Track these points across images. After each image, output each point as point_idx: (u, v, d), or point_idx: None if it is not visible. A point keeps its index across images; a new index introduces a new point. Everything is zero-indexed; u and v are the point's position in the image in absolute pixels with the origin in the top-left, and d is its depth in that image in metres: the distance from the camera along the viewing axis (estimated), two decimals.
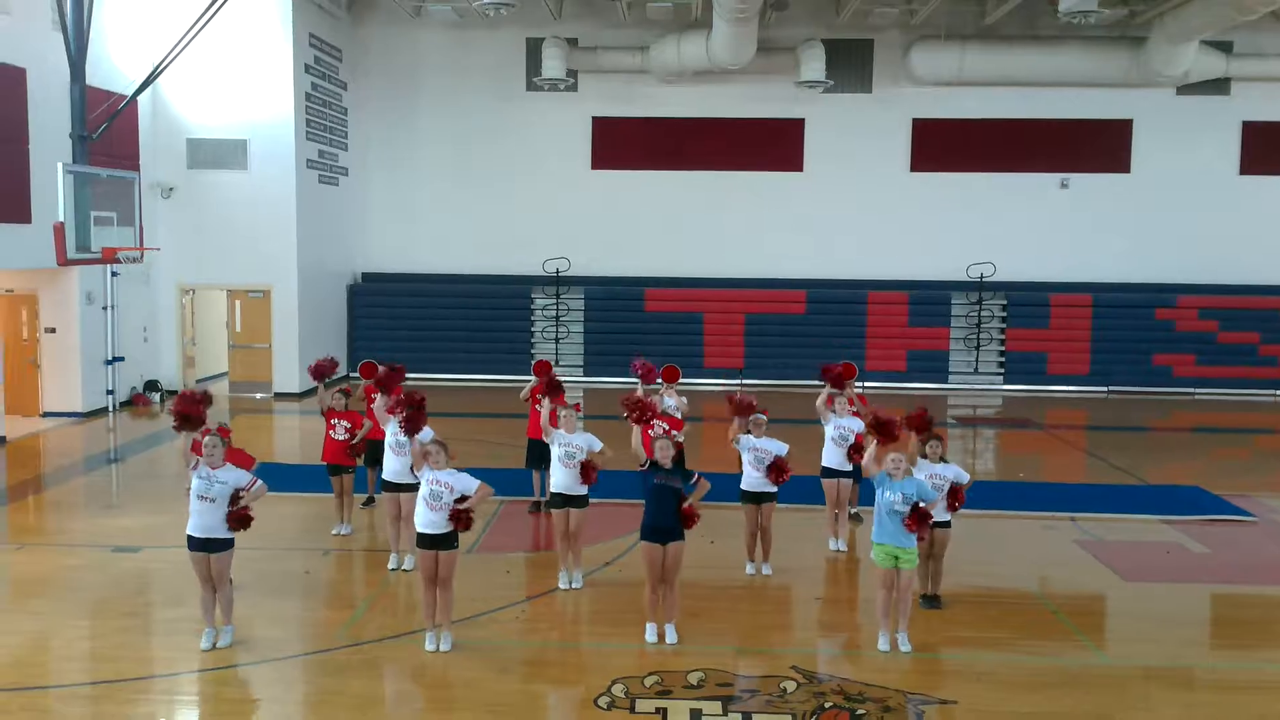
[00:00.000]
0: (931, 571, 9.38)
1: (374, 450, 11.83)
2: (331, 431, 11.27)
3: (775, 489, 10.06)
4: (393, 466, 9.95)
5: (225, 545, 8.18)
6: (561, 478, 9.57)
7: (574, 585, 9.71)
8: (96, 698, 7.46)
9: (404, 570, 10.08)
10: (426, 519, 8.16)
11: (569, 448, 9.55)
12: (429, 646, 8.18)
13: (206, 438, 8.21)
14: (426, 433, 8.89)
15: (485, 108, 23.33)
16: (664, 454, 8.46)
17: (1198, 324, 22.65)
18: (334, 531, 11.33)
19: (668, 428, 10.29)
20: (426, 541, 8.18)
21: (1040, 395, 22.46)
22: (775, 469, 9.94)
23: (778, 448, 10.01)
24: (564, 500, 9.60)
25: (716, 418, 15.96)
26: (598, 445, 9.57)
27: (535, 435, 11.71)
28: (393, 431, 9.75)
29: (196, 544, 8.13)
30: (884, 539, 8.31)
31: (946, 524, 9.22)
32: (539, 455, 11.39)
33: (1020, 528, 12.03)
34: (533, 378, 12.24)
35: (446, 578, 8.22)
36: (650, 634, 8.45)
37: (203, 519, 8.07)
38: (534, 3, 21.46)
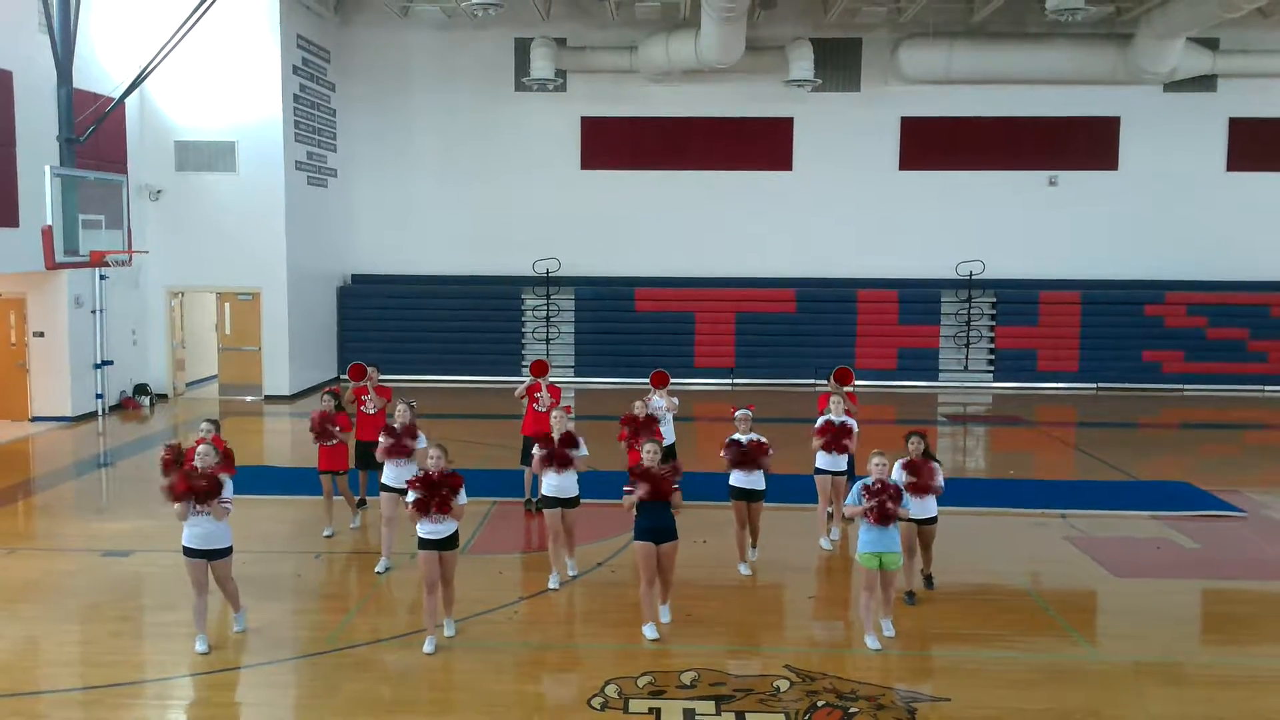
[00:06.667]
0: (921, 561, 9.49)
1: (364, 453, 11.84)
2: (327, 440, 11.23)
3: (763, 486, 10.09)
4: (392, 471, 10.01)
5: (225, 553, 8.23)
6: (556, 481, 9.62)
7: (571, 576, 9.83)
8: (88, 703, 7.43)
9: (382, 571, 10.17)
10: (429, 524, 8.20)
11: None
12: (428, 649, 8.16)
13: (201, 446, 8.23)
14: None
15: (474, 108, 23.30)
16: (651, 459, 8.56)
17: (1186, 320, 22.73)
18: (326, 533, 11.29)
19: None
20: (430, 545, 8.23)
21: (1030, 392, 22.52)
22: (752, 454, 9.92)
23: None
24: (558, 502, 9.65)
25: (708, 417, 15.99)
26: (584, 451, 9.72)
27: (529, 432, 11.74)
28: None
29: (196, 553, 8.14)
30: (867, 547, 8.37)
31: (933, 519, 9.29)
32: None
33: (1011, 524, 12.06)
34: (528, 377, 12.38)
35: (450, 577, 8.37)
36: (650, 631, 8.48)
37: (201, 528, 8.08)
38: (522, 3, 21.44)
